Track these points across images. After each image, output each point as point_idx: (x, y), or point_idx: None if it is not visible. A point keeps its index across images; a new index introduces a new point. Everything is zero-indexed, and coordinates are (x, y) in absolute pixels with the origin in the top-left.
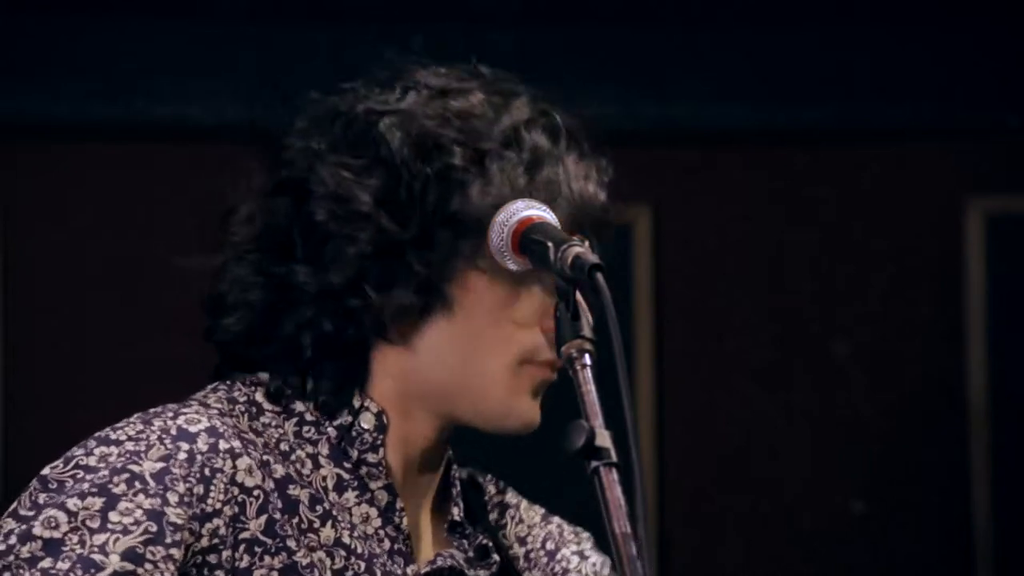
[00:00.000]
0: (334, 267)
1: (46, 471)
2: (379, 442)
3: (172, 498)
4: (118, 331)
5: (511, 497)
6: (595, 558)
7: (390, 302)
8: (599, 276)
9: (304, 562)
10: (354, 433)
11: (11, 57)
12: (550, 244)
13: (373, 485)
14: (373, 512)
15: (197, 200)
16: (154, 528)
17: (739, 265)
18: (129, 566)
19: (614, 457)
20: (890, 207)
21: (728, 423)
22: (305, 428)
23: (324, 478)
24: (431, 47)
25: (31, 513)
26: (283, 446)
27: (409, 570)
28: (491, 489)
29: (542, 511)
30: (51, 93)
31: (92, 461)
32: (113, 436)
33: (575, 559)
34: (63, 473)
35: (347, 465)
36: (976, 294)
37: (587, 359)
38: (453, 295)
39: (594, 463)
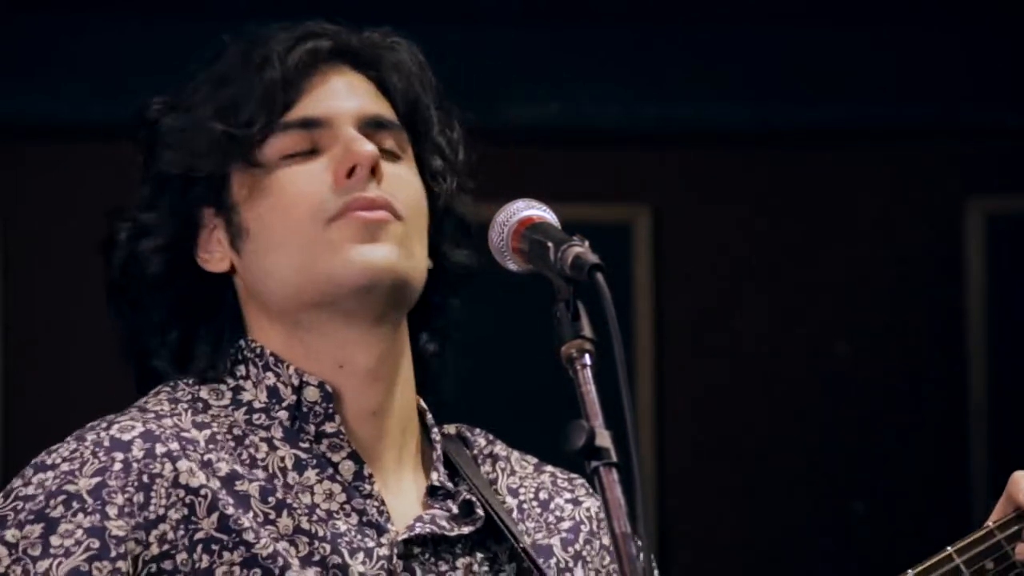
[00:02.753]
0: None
1: None
2: (331, 410)
3: (111, 511)
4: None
5: (501, 449)
6: (588, 503)
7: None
8: (599, 276)
9: (264, 553)
10: (304, 408)
11: (11, 57)
12: (550, 244)
13: (336, 457)
14: (336, 488)
15: None
16: (96, 544)
17: (739, 265)
18: None
19: (614, 457)
20: (890, 207)
21: (728, 423)
22: (255, 416)
23: (282, 459)
24: (431, 48)
25: None
26: (235, 431)
27: (384, 539)
28: (481, 442)
29: (535, 461)
30: (51, 93)
31: (30, 490)
32: (48, 460)
33: (568, 507)
34: (4, 508)
35: (303, 445)
36: (976, 294)
37: (587, 359)
38: (235, 212)
39: (594, 463)
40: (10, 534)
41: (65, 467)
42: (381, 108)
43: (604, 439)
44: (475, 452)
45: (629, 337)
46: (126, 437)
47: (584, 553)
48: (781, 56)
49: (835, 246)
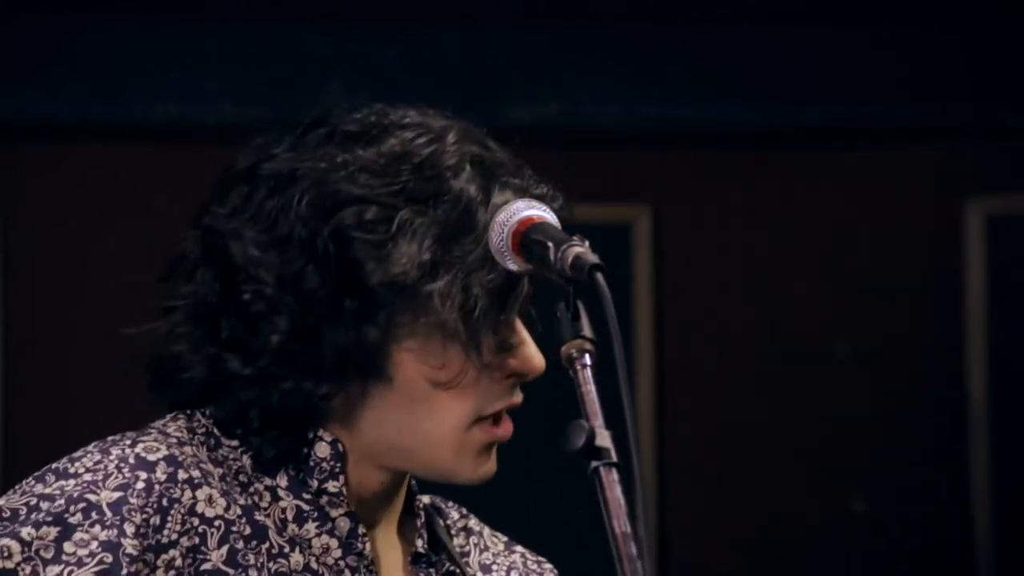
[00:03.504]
0: (260, 352)
1: (1, 501)
2: (338, 470)
3: (129, 529)
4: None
5: (474, 524)
6: None
7: (315, 389)
8: (599, 276)
9: None
10: (312, 463)
11: (11, 57)
12: (550, 244)
13: (334, 513)
14: (333, 543)
15: (197, 200)
16: (109, 559)
17: (739, 265)
18: None
19: (614, 457)
20: (890, 207)
21: (728, 423)
22: (260, 462)
23: (283, 510)
24: (432, 48)
25: None
26: (241, 478)
27: None
28: (454, 515)
29: (505, 539)
30: (51, 93)
31: (48, 491)
32: (71, 468)
33: None
34: (17, 502)
35: (306, 496)
36: (976, 294)
37: (587, 359)
38: (387, 364)
39: (594, 463)
40: (26, 531)
41: (88, 476)
42: None
43: (604, 439)
44: (448, 523)
45: (629, 337)
46: (151, 458)
47: None
48: (781, 56)
49: (835, 246)
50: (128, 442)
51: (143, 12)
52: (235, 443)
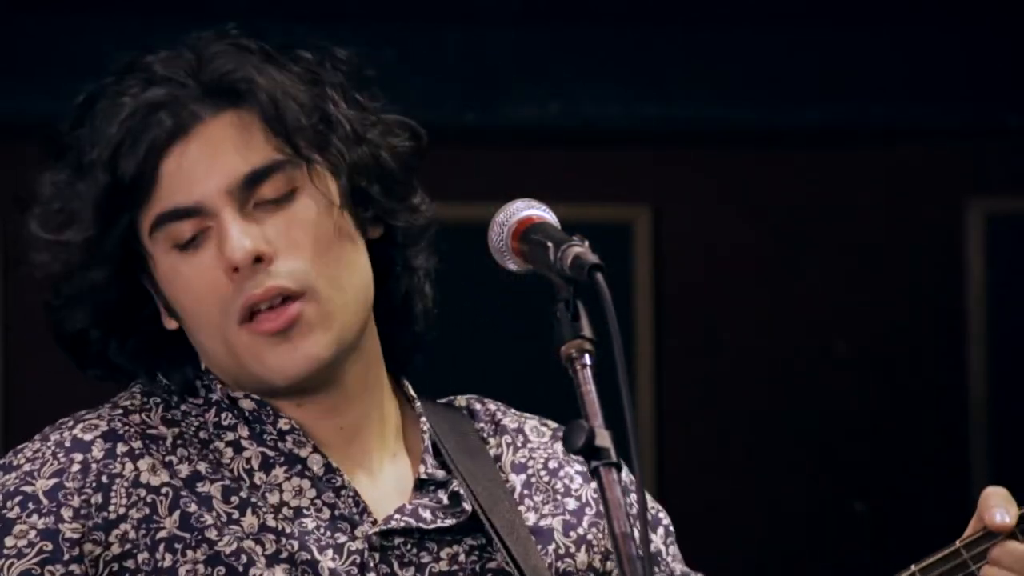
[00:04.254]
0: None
1: None
2: (273, 411)
3: (66, 513)
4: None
5: (510, 421)
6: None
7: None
8: (599, 276)
9: (228, 551)
10: (249, 416)
11: (11, 57)
12: (550, 244)
13: (303, 452)
14: (306, 484)
15: None
16: (49, 547)
17: (739, 265)
18: None
19: (614, 457)
20: (890, 207)
21: (727, 422)
22: (223, 415)
23: (248, 460)
24: (432, 48)
25: None
26: (202, 434)
27: (358, 532)
28: (491, 412)
29: (554, 426)
30: (51, 93)
31: None
32: (14, 461)
33: (578, 479)
34: None
35: (270, 442)
36: (976, 294)
37: (587, 359)
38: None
39: (594, 463)
40: None
41: (27, 467)
42: (251, 159)
43: (604, 439)
44: (481, 425)
45: (629, 337)
46: (88, 437)
47: (590, 536)
48: (781, 56)
49: (835, 246)
50: (71, 423)
51: (143, 12)
52: (198, 400)
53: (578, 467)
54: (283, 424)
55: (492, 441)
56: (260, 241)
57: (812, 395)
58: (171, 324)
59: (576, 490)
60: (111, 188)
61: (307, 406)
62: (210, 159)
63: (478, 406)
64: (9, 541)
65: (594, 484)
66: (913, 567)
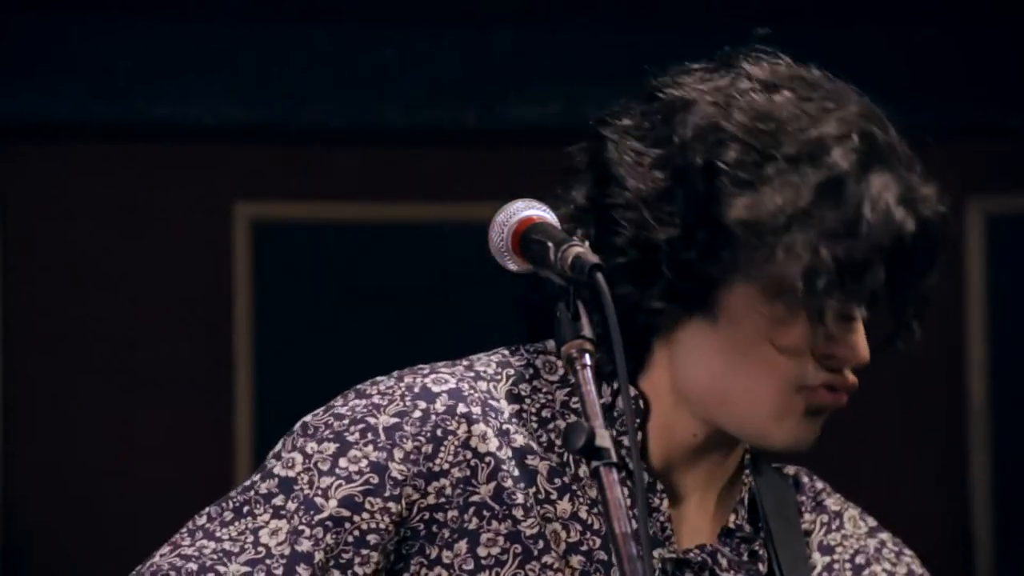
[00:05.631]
0: (603, 255)
1: (308, 418)
2: (635, 425)
3: (398, 454)
4: (118, 330)
5: (833, 503)
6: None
7: (645, 301)
8: (599, 276)
9: (528, 532)
10: (615, 414)
11: (11, 57)
12: (550, 244)
13: (632, 465)
14: (624, 492)
15: (196, 199)
16: (375, 480)
17: None
18: (345, 512)
19: (614, 457)
20: None
21: None
22: (574, 400)
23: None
24: (432, 48)
25: (283, 455)
26: (544, 412)
27: (655, 552)
28: (816, 488)
29: (873, 524)
30: (51, 93)
31: (343, 410)
32: (368, 390)
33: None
34: (319, 420)
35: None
36: (976, 294)
37: (587, 359)
38: (716, 303)
39: (594, 463)
40: (310, 446)
41: (376, 399)
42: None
43: (604, 439)
44: (803, 498)
45: None
46: (436, 389)
47: None
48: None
49: None
50: (425, 371)
51: (143, 12)
52: (554, 378)
53: (886, 565)
54: (626, 440)
55: (808, 517)
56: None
57: None
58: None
59: None
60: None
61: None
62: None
63: (805, 479)
64: (343, 463)
65: None
66: None
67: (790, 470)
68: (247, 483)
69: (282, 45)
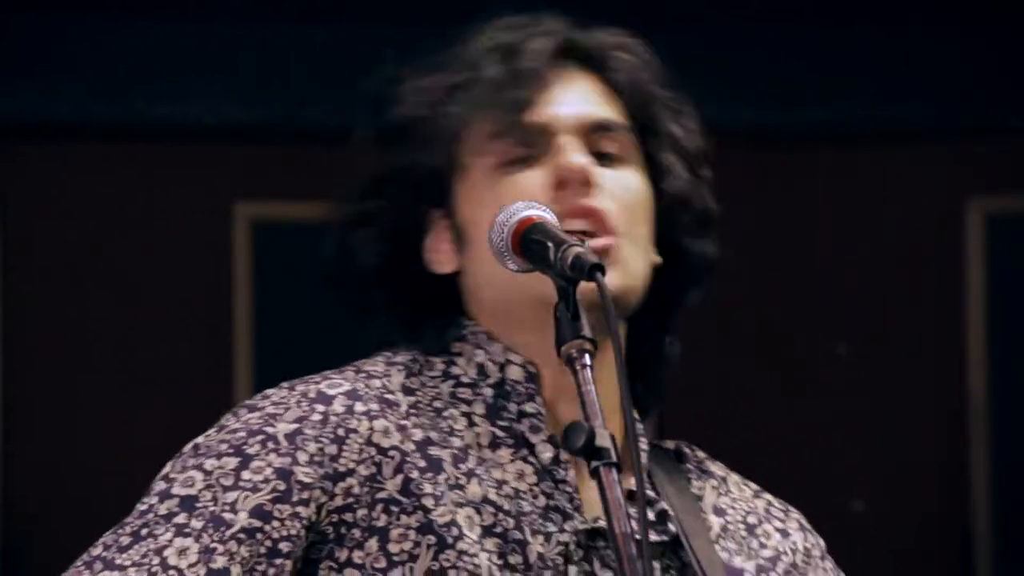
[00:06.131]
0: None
1: (200, 439)
2: (532, 391)
3: (302, 457)
4: (118, 330)
5: (717, 468)
6: (797, 537)
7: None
8: (599, 276)
9: (441, 520)
10: (507, 388)
11: (11, 57)
12: (550, 244)
13: (535, 439)
14: (528, 468)
15: (196, 199)
16: (282, 487)
17: (738, 265)
18: (256, 522)
19: (614, 457)
20: (890, 207)
21: (727, 422)
22: (460, 390)
23: (478, 435)
24: (433, 48)
25: (177, 475)
26: (437, 404)
27: (567, 526)
28: (699, 457)
29: (755, 487)
30: (51, 93)
31: (237, 425)
32: (259, 403)
33: (775, 535)
34: (213, 439)
35: (502, 424)
36: (976, 294)
37: (587, 359)
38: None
39: (594, 463)
40: (209, 463)
41: (271, 410)
42: (605, 111)
43: (604, 439)
44: (688, 466)
45: None
46: (331, 392)
47: None
48: (781, 56)
49: (835, 246)
50: (318, 379)
51: (143, 12)
52: (436, 373)
53: (777, 524)
54: (529, 407)
55: (696, 483)
56: (595, 168)
57: (812, 395)
58: (446, 266)
59: (773, 543)
60: (513, 82)
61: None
62: (571, 94)
63: (687, 450)
64: (246, 475)
65: (793, 538)
66: None
67: (669, 444)
68: (140, 508)
69: (282, 45)
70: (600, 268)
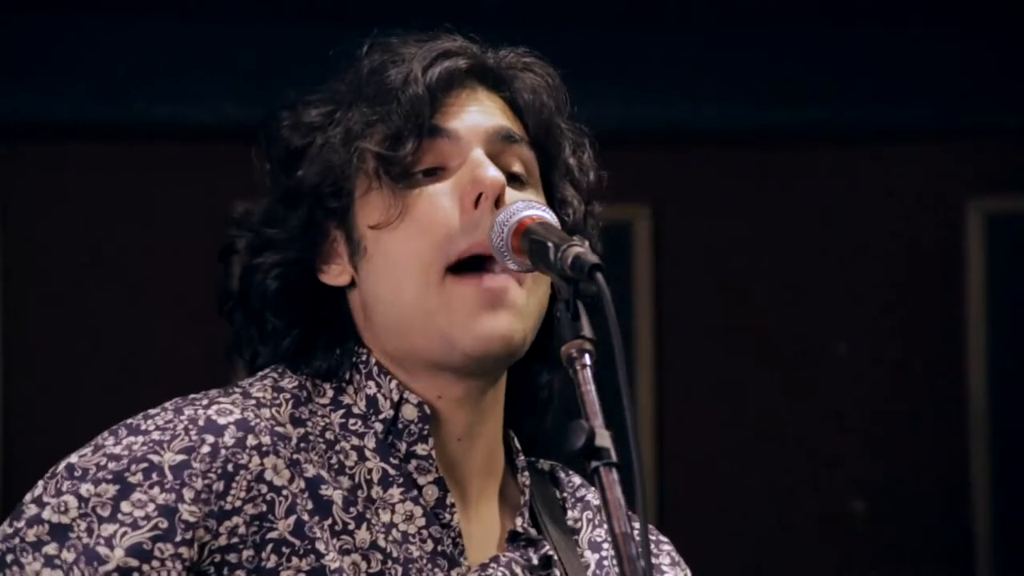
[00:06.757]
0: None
1: (74, 458)
2: (426, 432)
3: (188, 494)
4: (118, 330)
5: (593, 497)
6: (669, 573)
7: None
8: (599, 276)
9: (333, 566)
10: (400, 426)
11: (11, 57)
12: (550, 244)
13: (422, 480)
14: (417, 511)
15: (196, 199)
16: (165, 524)
17: (739, 265)
18: (134, 562)
19: (614, 457)
20: (890, 207)
21: (727, 422)
22: (351, 421)
23: (369, 471)
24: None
25: (50, 499)
26: (328, 435)
27: (453, 573)
28: (574, 483)
29: (628, 513)
30: (51, 93)
31: (117, 449)
32: (143, 425)
33: (667, 571)
34: (89, 461)
35: (393, 461)
36: (976, 294)
37: (587, 359)
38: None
39: (594, 463)
40: (85, 488)
41: (156, 435)
42: (512, 125)
43: (604, 439)
44: (564, 495)
45: (629, 337)
46: (222, 421)
47: None
48: (781, 56)
49: (835, 246)
50: (204, 402)
51: (143, 12)
52: (325, 401)
53: (665, 560)
54: (420, 449)
55: (571, 513)
56: (505, 185)
57: (812, 394)
58: (338, 277)
59: None
60: (420, 102)
61: (450, 393)
62: (480, 108)
63: (562, 475)
64: (126, 507)
65: (667, 574)
66: None
67: (544, 465)
68: (6, 530)
69: (282, 45)
70: (600, 268)
